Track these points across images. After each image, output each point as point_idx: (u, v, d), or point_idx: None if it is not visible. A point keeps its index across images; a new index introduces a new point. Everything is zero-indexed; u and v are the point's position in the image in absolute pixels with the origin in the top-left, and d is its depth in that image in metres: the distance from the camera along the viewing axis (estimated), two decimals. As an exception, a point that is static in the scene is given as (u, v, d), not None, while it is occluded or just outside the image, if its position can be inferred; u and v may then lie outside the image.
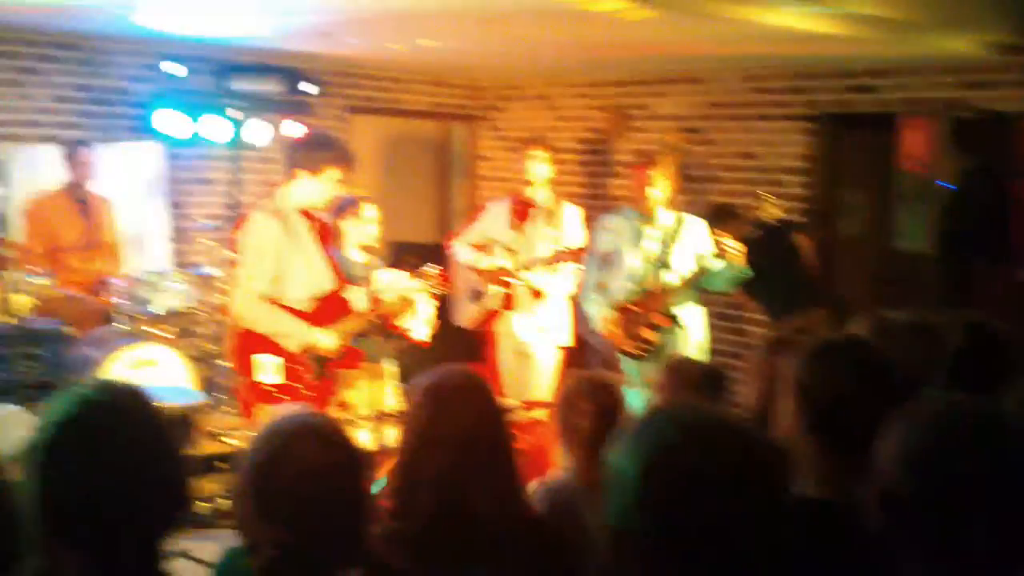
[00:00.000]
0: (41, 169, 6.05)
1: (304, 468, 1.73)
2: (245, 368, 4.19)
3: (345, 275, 4.43)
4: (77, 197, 5.94)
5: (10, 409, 4.45)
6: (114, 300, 5.62)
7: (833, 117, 6.50)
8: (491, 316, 5.58)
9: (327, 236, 4.44)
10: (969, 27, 5.01)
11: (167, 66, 6.55)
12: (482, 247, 5.57)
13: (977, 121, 5.64)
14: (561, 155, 7.97)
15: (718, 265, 4.92)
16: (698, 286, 5.08)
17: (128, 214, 6.46)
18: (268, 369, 4.13)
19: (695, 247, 5.07)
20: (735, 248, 4.78)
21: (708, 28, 4.94)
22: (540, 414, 4.31)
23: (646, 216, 5.10)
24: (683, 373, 3.37)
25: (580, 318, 5.63)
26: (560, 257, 5.34)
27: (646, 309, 5.04)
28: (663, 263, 5.07)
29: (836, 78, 6.38)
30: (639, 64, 6.91)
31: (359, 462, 1.83)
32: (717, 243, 4.88)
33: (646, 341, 5.02)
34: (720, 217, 5.68)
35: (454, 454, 2.11)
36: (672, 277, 5.03)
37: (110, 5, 5.00)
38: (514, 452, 2.25)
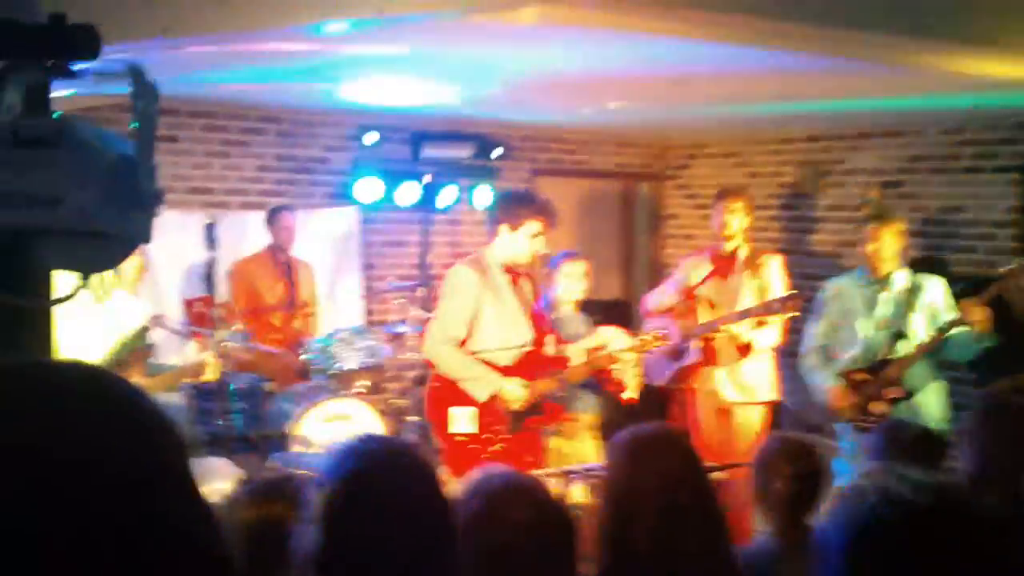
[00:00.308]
0: (246, 233, 6.43)
1: (514, 529, 1.72)
2: (440, 421, 4.27)
3: (554, 330, 4.46)
4: (279, 260, 6.26)
5: (215, 461, 4.68)
6: (311, 357, 5.87)
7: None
8: (689, 373, 5.34)
9: (534, 291, 4.48)
10: None
11: (366, 137, 6.88)
12: (682, 302, 5.37)
13: None
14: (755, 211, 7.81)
15: (961, 332, 4.54)
16: (937, 356, 4.73)
17: (324, 275, 6.78)
18: (462, 420, 4.19)
19: (933, 312, 4.73)
20: (981, 314, 4.40)
21: (906, 80, 4.73)
22: (739, 475, 4.14)
23: (879, 278, 4.82)
24: (896, 436, 3.20)
25: (789, 378, 5.39)
26: (766, 309, 5.02)
27: (878, 380, 4.72)
28: (899, 332, 4.75)
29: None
30: (834, 118, 6.69)
31: (567, 521, 1.82)
32: (961, 308, 4.52)
33: (876, 415, 4.66)
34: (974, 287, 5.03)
35: (660, 507, 2.07)
36: (908, 347, 4.70)
37: (317, 82, 5.28)
38: (719, 504, 2.20)
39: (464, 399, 4.21)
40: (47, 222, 1.61)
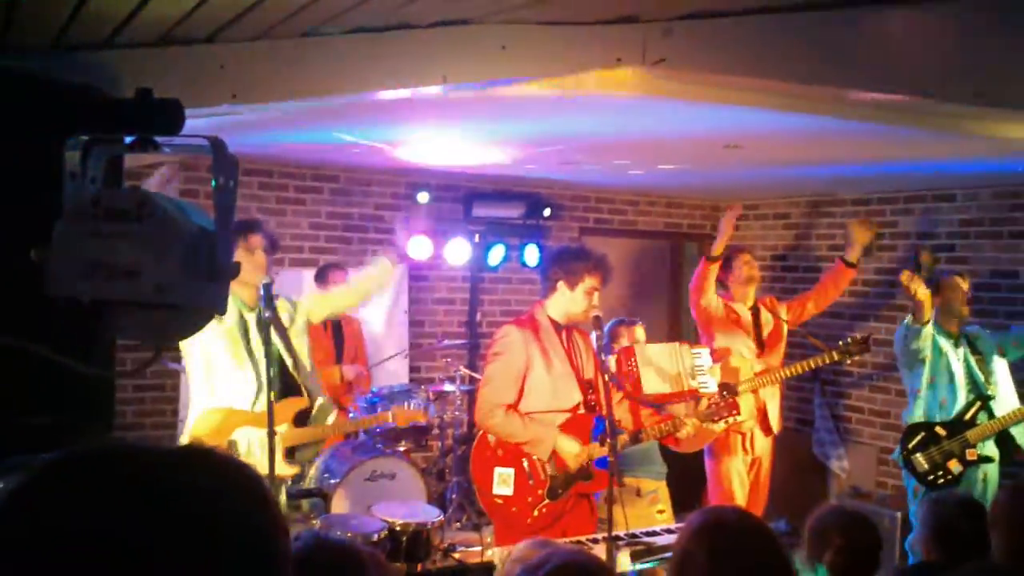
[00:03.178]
0: (300, 290, 6.48)
1: None
2: (484, 480, 4.23)
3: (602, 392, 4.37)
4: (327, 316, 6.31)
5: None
6: (357, 414, 5.88)
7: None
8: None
9: (587, 346, 4.43)
10: None
11: (419, 196, 6.96)
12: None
13: None
14: (801, 273, 7.79)
15: None
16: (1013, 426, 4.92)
17: (373, 331, 6.81)
18: (502, 481, 4.16)
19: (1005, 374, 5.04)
20: None
21: (958, 145, 4.70)
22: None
23: (952, 334, 5.07)
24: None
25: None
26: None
27: (958, 438, 4.92)
28: (986, 394, 4.95)
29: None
30: (885, 181, 6.66)
31: None
32: None
33: (948, 472, 4.88)
34: None
35: None
36: (996, 412, 4.91)
37: (376, 144, 5.36)
38: None
39: (506, 459, 4.18)
40: (125, 294, 1.63)
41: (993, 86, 3.74)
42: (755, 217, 8.27)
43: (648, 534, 4.05)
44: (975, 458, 4.83)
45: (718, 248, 5.55)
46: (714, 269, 5.56)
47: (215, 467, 0.87)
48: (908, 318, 5.12)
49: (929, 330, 5.00)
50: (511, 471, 4.18)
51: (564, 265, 4.31)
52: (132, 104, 1.68)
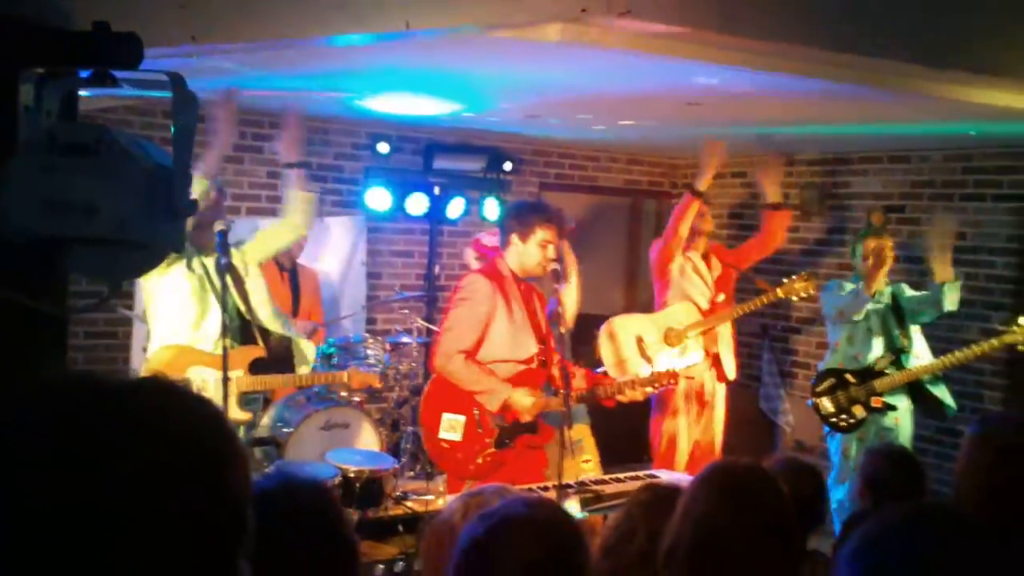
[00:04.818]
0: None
1: (524, 560, 1.68)
2: (432, 424, 4.26)
3: (558, 346, 4.37)
4: (286, 267, 6.27)
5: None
6: (314, 364, 5.86)
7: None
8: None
9: (540, 303, 4.47)
10: None
11: (379, 147, 6.89)
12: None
13: None
14: (756, 231, 7.86)
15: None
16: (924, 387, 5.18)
17: (330, 281, 6.79)
18: (451, 427, 4.18)
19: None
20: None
21: (914, 107, 4.76)
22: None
23: (873, 291, 5.25)
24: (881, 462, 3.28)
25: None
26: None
27: (865, 386, 5.15)
28: (898, 347, 5.18)
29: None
30: (840, 142, 6.73)
31: (575, 545, 1.77)
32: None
33: (852, 415, 5.16)
34: None
35: (755, 551, 2.02)
36: (908, 364, 5.15)
37: (334, 92, 5.29)
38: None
39: (457, 405, 4.20)
40: (83, 231, 1.61)
41: (950, 49, 3.79)
42: (713, 175, 8.30)
43: (597, 483, 4.12)
44: (880, 405, 5.11)
45: (703, 183, 5.57)
46: (695, 206, 5.56)
47: (177, 393, 0.88)
48: (851, 285, 5.27)
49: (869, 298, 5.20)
50: (462, 418, 4.20)
51: (518, 218, 4.31)
52: (89, 37, 1.65)
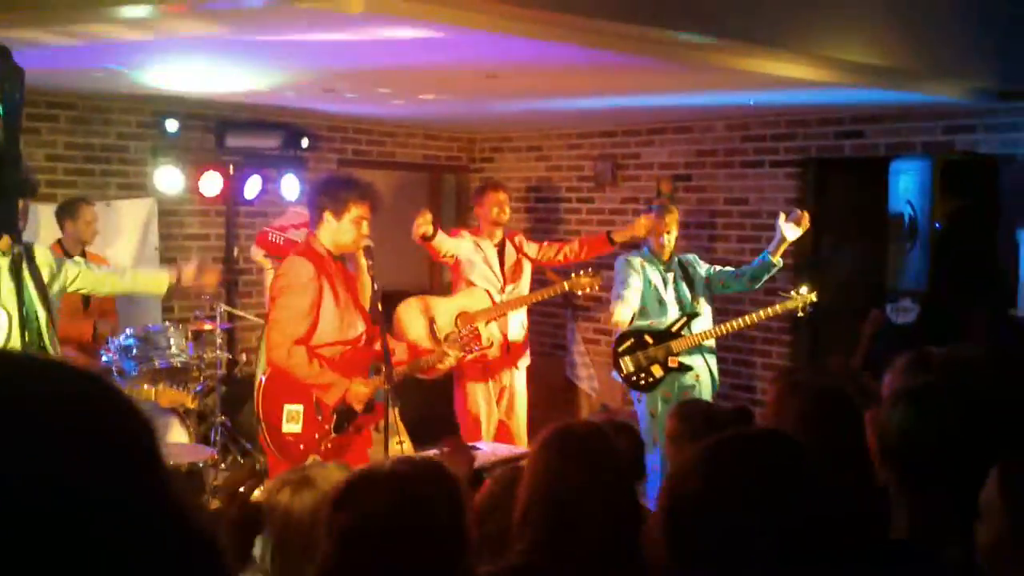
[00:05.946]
0: (35, 228, 6.02)
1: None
2: (274, 419, 4.11)
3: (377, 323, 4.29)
4: (74, 255, 5.92)
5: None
6: (111, 357, 5.58)
7: (821, 162, 6.59)
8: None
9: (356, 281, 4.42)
10: (955, 74, 5.12)
11: (167, 124, 6.59)
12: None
13: (963, 163, 5.73)
14: (553, 203, 8.11)
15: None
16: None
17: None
18: (292, 418, 4.08)
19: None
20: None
21: (698, 77, 5.02)
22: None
23: (662, 259, 5.56)
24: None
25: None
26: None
27: (663, 346, 5.44)
28: (691, 311, 5.51)
29: (824, 124, 6.48)
30: (629, 114, 7.00)
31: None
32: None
33: (651, 374, 5.44)
34: None
35: (605, 508, 2.08)
36: (698, 327, 5.50)
37: (114, 67, 5.02)
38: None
39: (295, 395, 4.08)
40: None
41: (735, 20, 4.03)
42: (509, 150, 8.48)
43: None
44: (676, 365, 5.44)
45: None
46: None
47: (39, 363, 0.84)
48: (638, 259, 5.59)
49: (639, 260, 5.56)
50: (300, 407, 4.08)
51: (329, 194, 4.17)
52: None
